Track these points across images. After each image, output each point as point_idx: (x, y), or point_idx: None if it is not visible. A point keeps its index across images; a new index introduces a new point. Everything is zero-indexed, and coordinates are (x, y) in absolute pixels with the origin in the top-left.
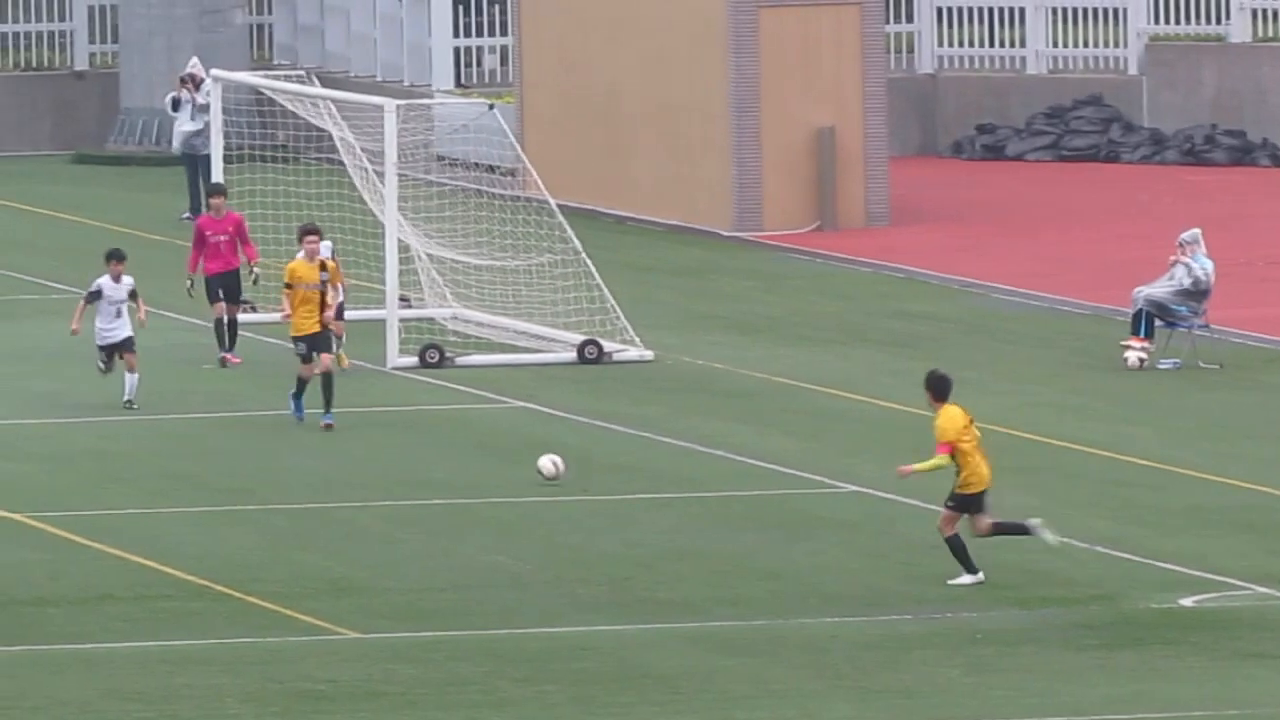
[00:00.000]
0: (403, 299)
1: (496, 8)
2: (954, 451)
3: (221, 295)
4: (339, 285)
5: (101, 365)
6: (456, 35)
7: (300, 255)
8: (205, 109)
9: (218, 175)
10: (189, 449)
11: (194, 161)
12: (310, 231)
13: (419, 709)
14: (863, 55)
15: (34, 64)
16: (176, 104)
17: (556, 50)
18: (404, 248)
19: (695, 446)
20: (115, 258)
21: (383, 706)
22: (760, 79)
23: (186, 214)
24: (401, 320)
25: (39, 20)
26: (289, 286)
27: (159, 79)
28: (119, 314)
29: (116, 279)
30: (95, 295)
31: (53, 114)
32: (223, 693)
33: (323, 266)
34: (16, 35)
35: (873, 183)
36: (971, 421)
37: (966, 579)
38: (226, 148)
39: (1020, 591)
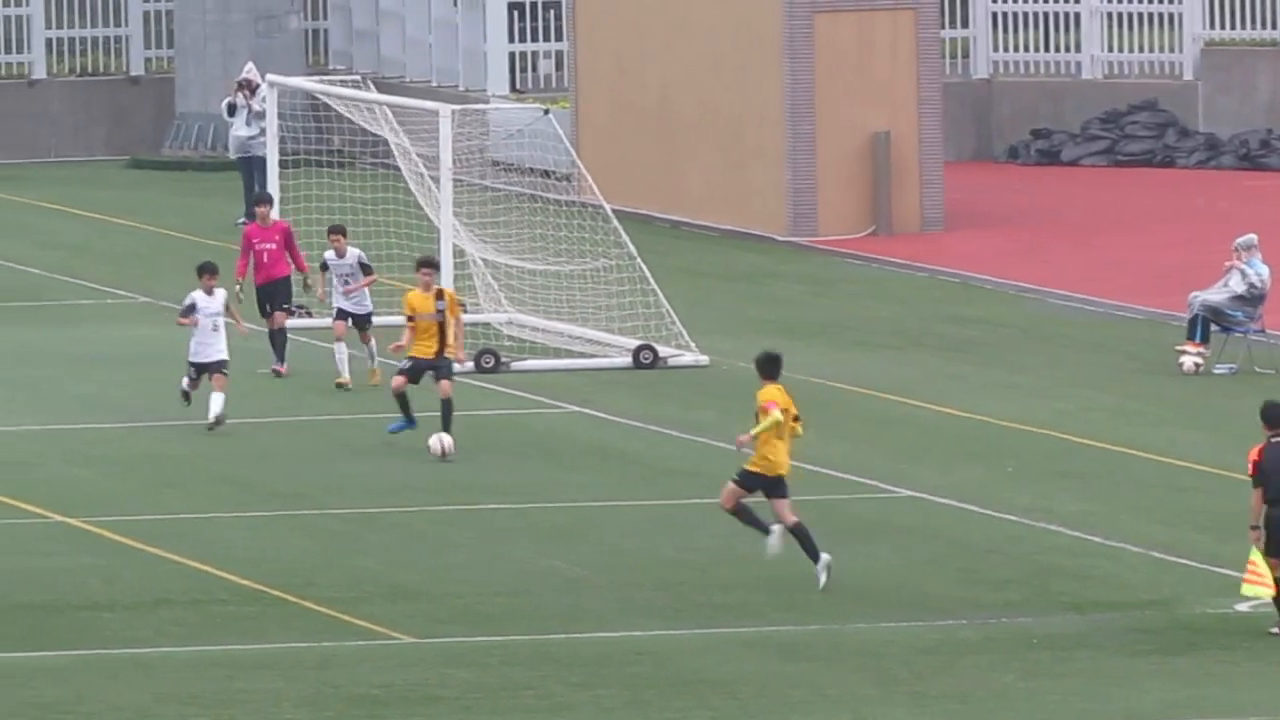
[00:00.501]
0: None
1: (552, 13)
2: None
3: (269, 307)
4: (458, 316)
5: (188, 382)
6: (511, 40)
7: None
8: (261, 114)
9: (273, 180)
10: (245, 454)
11: (250, 166)
12: (426, 264)
13: (474, 714)
14: (918, 60)
15: (90, 69)
16: (232, 109)
17: (612, 55)
18: (459, 253)
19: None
20: (207, 271)
21: (438, 711)
22: (815, 84)
23: (242, 219)
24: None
25: (95, 26)
26: (410, 319)
27: (214, 84)
28: (215, 328)
29: (209, 292)
30: (190, 309)
31: (108, 119)
32: (279, 697)
33: (439, 295)
34: (73, 40)
35: (928, 187)
36: (788, 410)
37: (773, 537)
38: (282, 152)
39: (1075, 596)
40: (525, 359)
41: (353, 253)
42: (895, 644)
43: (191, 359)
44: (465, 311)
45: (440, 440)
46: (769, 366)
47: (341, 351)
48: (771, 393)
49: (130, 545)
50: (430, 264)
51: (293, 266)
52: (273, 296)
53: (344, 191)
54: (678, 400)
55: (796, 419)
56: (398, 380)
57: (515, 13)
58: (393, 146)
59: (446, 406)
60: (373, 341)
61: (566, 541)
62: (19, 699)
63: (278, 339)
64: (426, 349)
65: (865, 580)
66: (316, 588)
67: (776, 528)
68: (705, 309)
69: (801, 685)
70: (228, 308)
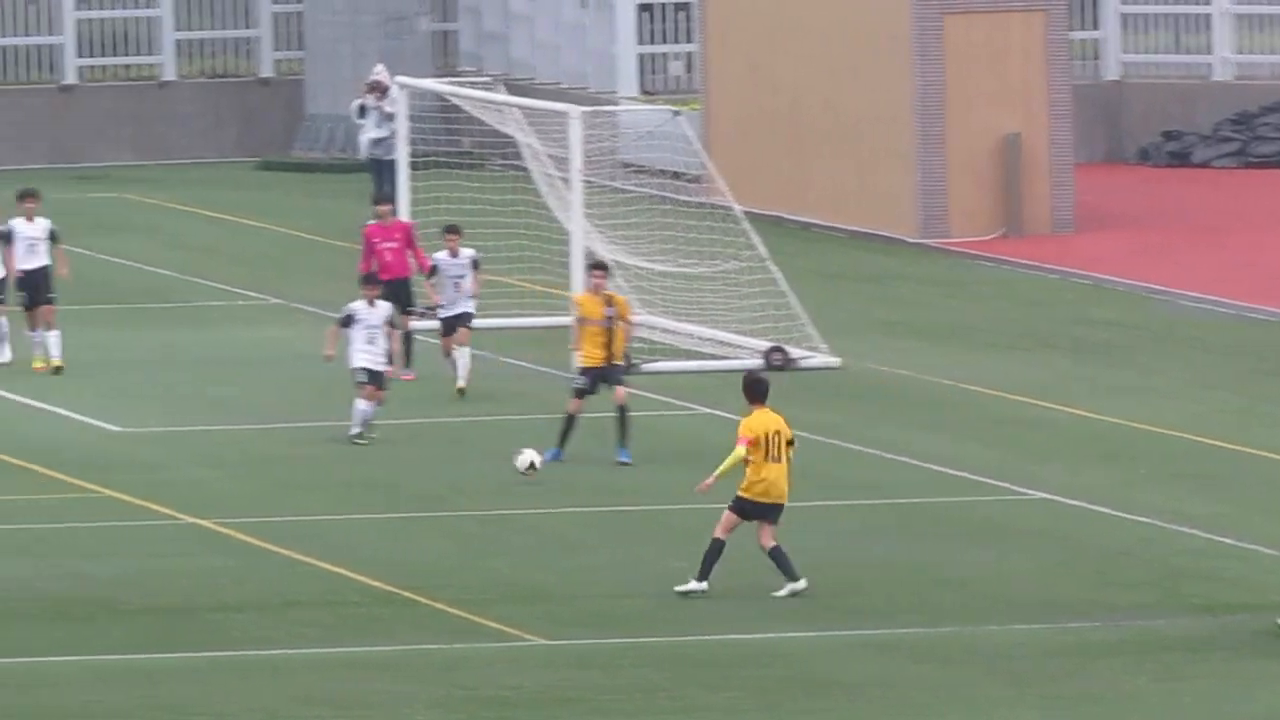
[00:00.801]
0: None
1: (682, 14)
2: (751, 447)
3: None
4: (628, 320)
5: (361, 385)
6: (641, 42)
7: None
8: (391, 116)
9: (403, 182)
10: (376, 455)
11: (379, 168)
12: (597, 266)
13: (606, 716)
14: (1048, 61)
15: (220, 71)
16: (362, 111)
17: (742, 56)
18: (589, 254)
19: (882, 453)
20: (370, 283)
21: (570, 713)
22: (945, 85)
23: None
24: None
25: (225, 27)
26: (581, 322)
27: (344, 86)
28: (371, 340)
29: (371, 303)
30: (349, 320)
31: (238, 121)
32: (409, 699)
33: (609, 301)
34: (202, 42)
35: (1058, 189)
36: (779, 434)
37: (692, 585)
38: (412, 154)
39: (1207, 598)
40: (656, 360)
41: (466, 253)
42: (1027, 646)
43: (362, 365)
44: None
45: (528, 456)
46: (753, 390)
47: (464, 356)
48: (750, 423)
49: (262, 547)
50: (600, 266)
51: (414, 267)
52: (395, 297)
53: (474, 193)
54: (808, 402)
55: (790, 443)
56: (574, 404)
57: (645, 14)
58: (522, 148)
59: (622, 414)
60: (467, 351)
61: (698, 543)
62: (151, 700)
63: (404, 343)
64: (595, 356)
65: (996, 583)
66: (448, 589)
67: (799, 585)
68: (835, 310)
69: (933, 688)
70: (390, 323)
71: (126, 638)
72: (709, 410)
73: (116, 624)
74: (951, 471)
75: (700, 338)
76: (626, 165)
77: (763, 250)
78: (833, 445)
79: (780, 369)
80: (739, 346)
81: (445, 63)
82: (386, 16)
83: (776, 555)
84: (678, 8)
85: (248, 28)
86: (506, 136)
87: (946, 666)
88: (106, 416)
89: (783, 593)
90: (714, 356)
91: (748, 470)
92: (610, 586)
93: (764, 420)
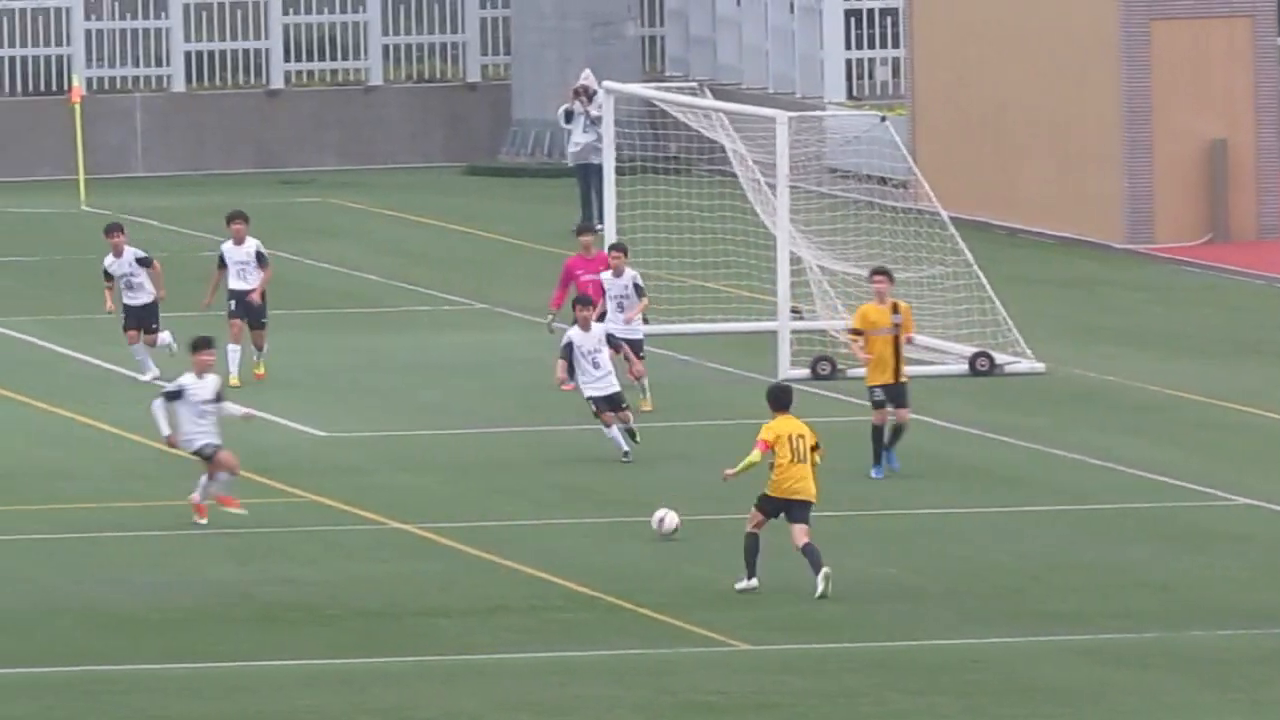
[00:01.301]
0: (794, 311)
1: (889, 20)
2: (771, 451)
3: None
4: (910, 335)
5: (602, 413)
6: (848, 47)
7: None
8: (598, 121)
9: (609, 187)
10: (580, 460)
11: (586, 173)
12: (879, 272)
13: None
14: (1254, 67)
15: (427, 75)
16: (569, 116)
17: (948, 62)
18: (795, 260)
19: (1086, 459)
20: (584, 304)
21: (773, 718)
22: (1151, 91)
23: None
24: (793, 332)
25: (432, 32)
26: (857, 333)
27: (551, 91)
28: (596, 365)
29: (586, 327)
30: (568, 349)
31: (445, 126)
32: (614, 704)
33: (895, 308)
34: (409, 47)
35: (1265, 195)
36: (803, 437)
37: (744, 582)
38: (619, 159)
39: None
40: (861, 366)
41: (629, 274)
42: (1232, 652)
43: (595, 394)
44: (800, 318)
45: (666, 519)
46: (777, 398)
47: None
48: (772, 426)
49: (467, 552)
50: (883, 272)
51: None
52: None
53: (680, 198)
54: (1014, 407)
55: (814, 448)
56: (878, 416)
57: (852, 19)
58: (729, 153)
59: (898, 432)
60: (645, 378)
61: (902, 549)
62: (356, 704)
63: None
64: (884, 374)
65: (1201, 588)
66: (652, 594)
67: (824, 571)
68: (1041, 316)
69: (1136, 693)
70: (611, 341)
71: (332, 642)
72: (914, 415)
73: (322, 629)
74: (1155, 476)
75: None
76: (833, 170)
77: (968, 256)
78: (1037, 450)
79: (986, 374)
80: (945, 352)
81: (652, 68)
82: (594, 21)
83: (809, 552)
84: (884, 13)
85: (455, 32)
86: (713, 141)
87: (1149, 671)
88: (312, 422)
89: (817, 593)
90: (920, 362)
91: (774, 473)
92: (813, 591)
93: (786, 425)
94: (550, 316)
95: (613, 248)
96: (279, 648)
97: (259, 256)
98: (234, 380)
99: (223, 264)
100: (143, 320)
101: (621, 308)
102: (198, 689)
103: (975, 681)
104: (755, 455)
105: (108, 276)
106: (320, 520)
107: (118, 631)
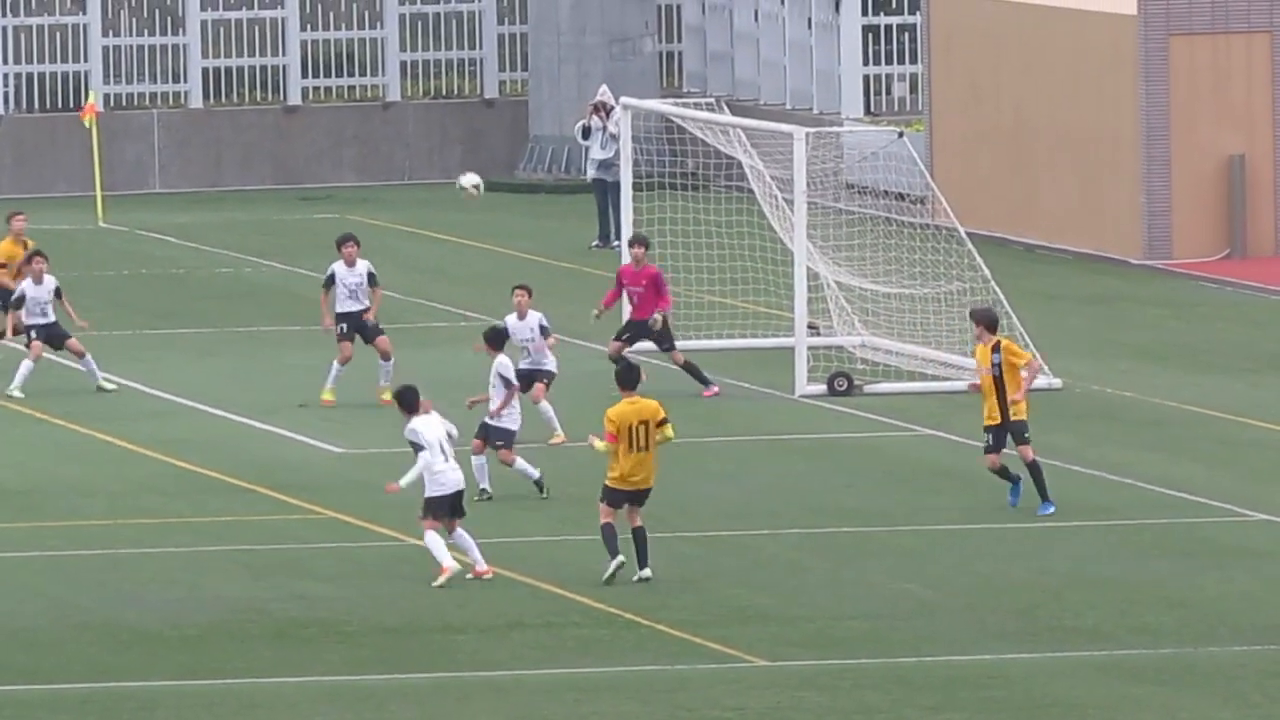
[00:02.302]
0: (811, 327)
1: (906, 35)
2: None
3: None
4: (1029, 370)
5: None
6: (866, 63)
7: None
8: (615, 137)
9: (627, 203)
10: (594, 476)
11: (604, 189)
12: (972, 314)
13: None
14: (1273, 82)
15: (444, 92)
16: (587, 132)
17: (966, 78)
18: (813, 275)
19: (1104, 474)
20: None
21: None
22: (1170, 106)
23: (595, 242)
24: (810, 348)
25: (449, 48)
26: (978, 387)
27: (568, 107)
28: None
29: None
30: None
31: (463, 141)
32: None
33: (995, 347)
34: (427, 63)
35: None
36: (645, 424)
37: (610, 565)
38: (636, 175)
39: None
40: (878, 382)
41: (534, 316)
42: (1249, 668)
43: None
44: (817, 334)
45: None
46: (623, 377)
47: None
48: (617, 414)
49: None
50: (979, 316)
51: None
52: (636, 333)
53: (697, 214)
54: (1032, 423)
55: (662, 423)
56: (991, 459)
57: (870, 35)
58: (746, 169)
59: (1035, 470)
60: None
61: (919, 565)
62: None
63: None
64: (992, 414)
65: (1219, 603)
66: (668, 610)
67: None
68: (1059, 332)
69: (1154, 709)
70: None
71: (349, 659)
72: (931, 431)
73: (339, 645)
74: (1173, 492)
75: (923, 359)
76: (850, 186)
77: (986, 271)
78: (1055, 466)
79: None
80: (962, 368)
81: (669, 83)
82: (611, 38)
83: (640, 536)
84: (902, 29)
85: (473, 48)
86: (730, 157)
87: (1167, 687)
88: (330, 438)
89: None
90: (936, 378)
91: (614, 463)
92: (830, 607)
93: (632, 410)
94: (596, 313)
95: (516, 288)
96: (295, 664)
97: (370, 277)
98: (328, 396)
99: (329, 285)
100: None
101: (528, 352)
102: (214, 705)
103: (993, 698)
104: (599, 446)
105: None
106: (337, 536)
107: (135, 648)
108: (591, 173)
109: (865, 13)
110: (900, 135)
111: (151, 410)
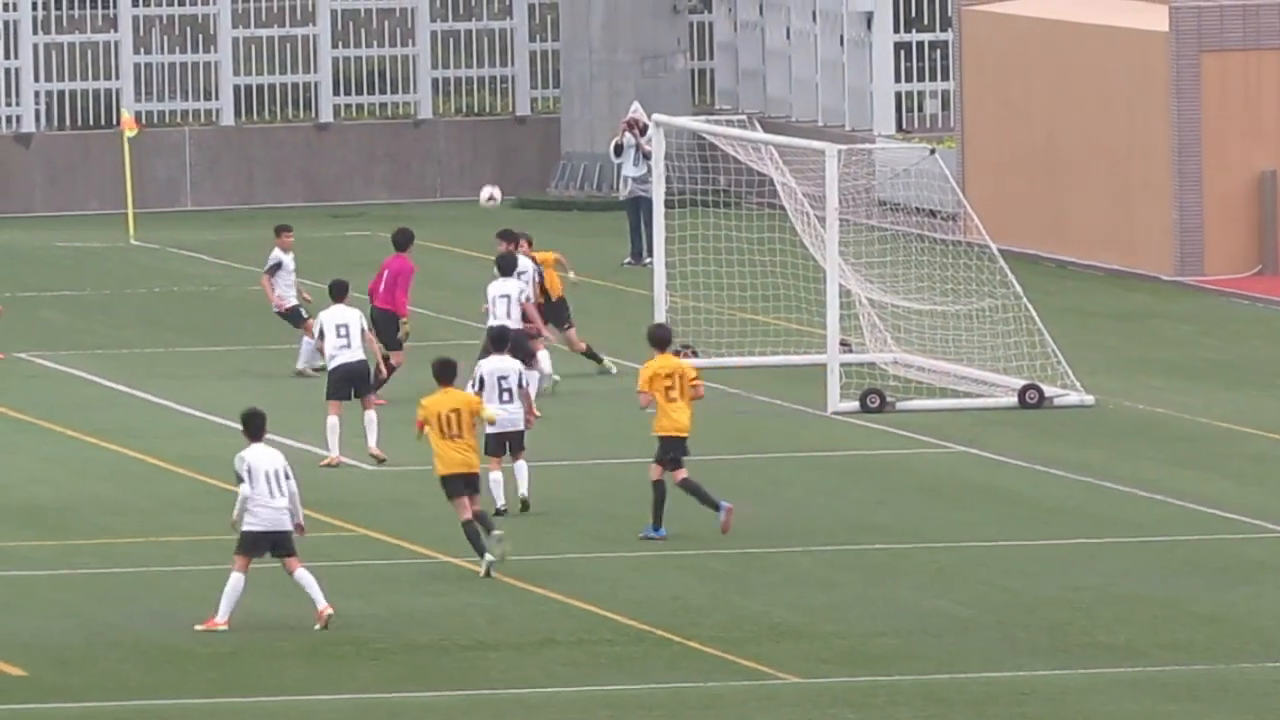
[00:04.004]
0: (843, 344)
1: (938, 52)
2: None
3: None
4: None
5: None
6: (898, 80)
7: None
8: (648, 154)
9: (659, 220)
10: (625, 493)
11: (637, 206)
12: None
13: None
14: None
15: (476, 109)
16: (620, 149)
17: (998, 95)
18: (845, 292)
19: (1136, 491)
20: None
21: None
22: (1202, 123)
23: (628, 259)
24: (842, 365)
25: (481, 66)
26: None
27: (600, 124)
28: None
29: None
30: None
31: (494, 159)
32: None
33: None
34: (459, 80)
35: None
36: (458, 411)
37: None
38: (668, 192)
39: None
40: (911, 399)
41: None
42: None
43: None
44: (850, 351)
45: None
46: (440, 372)
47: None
48: (429, 399)
49: (515, 585)
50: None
51: None
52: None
53: (729, 231)
54: (1064, 440)
55: (458, 411)
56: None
57: (901, 52)
58: (778, 186)
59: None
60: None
61: (951, 581)
62: None
63: None
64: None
65: (1252, 620)
66: (701, 628)
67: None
68: (1091, 349)
69: None
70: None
71: (380, 676)
72: (963, 448)
73: (371, 662)
74: (1205, 509)
75: (955, 375)
76: (882, 203)
77: (1018, 288)
78: (1087, 483)
79: (1035, 407)
80: (994, 384)
81: (701, 101)
82: (643, 55)
83: (469, 528)
84: (933, 46)
85: (504, 66)
86: (762, 174)
87: (1199, 704)
88: (361, 455)
89: (483, 565)
90: (969, 395)
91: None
92: (862, 624)
93: (445, 399)
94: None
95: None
96: (327, 682)
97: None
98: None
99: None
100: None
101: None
102: None
103: (1025, 714)
104: (418, 431)
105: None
106: (369, 554)
107: (166, 665)
108: (624, 190)
109: (897, 30)
110: (932, 152)
111: (182, 428)
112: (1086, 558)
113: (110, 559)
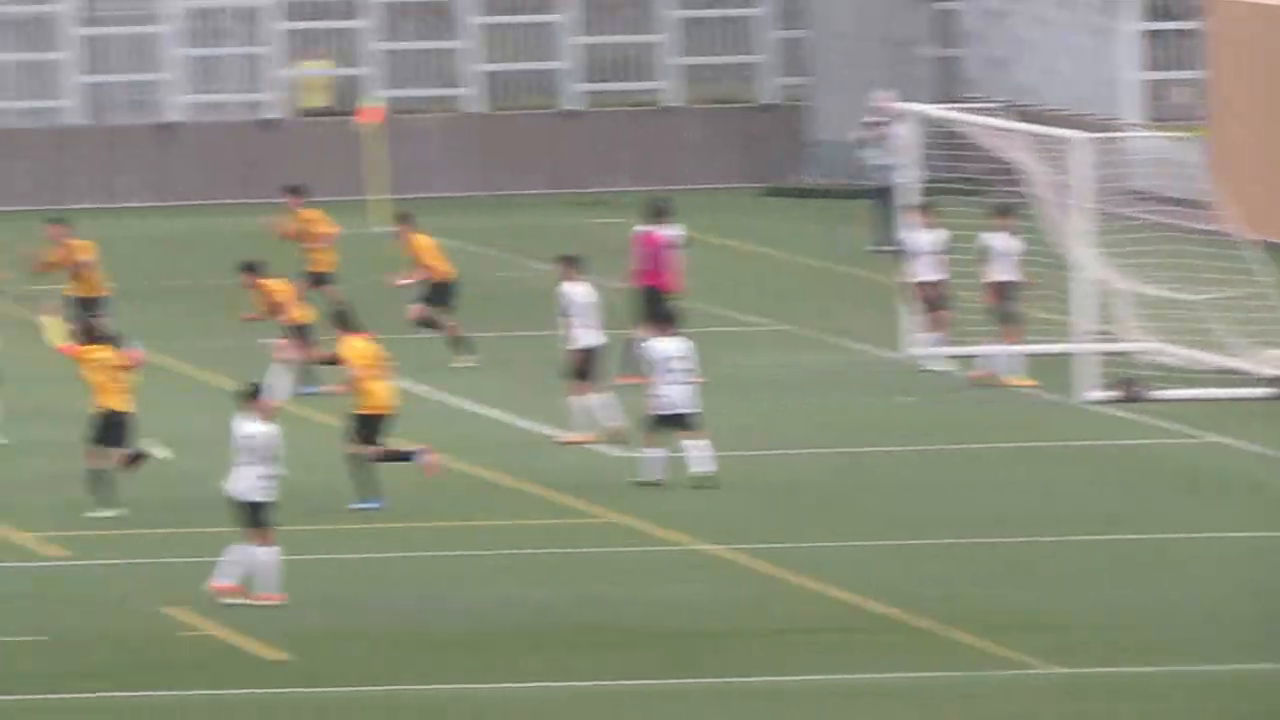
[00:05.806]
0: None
1: (1187, 40)
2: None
3: None
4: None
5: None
6: (1147, 68)
7: None
8: (895, 142)
9: (906, 209)
10: (884, 482)
11: (884, 194)
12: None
13: None
14: None
15: (723, 97)
16: (867, 138)
17: (1249, 83)
18: (1097, 281)
19: None
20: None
21: None
22: None
23: (874, 246)
24: (1096, 354)
25: (728, 53)
26: None
27: (848, 112)
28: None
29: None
30: None
31: (740, 146)
32: None
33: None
34: (705, 68)
35: None
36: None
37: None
38: (915, 180)
39: None
40: (1164, 388)
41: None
42: None
43: None
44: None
45: None
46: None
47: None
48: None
49: (771, 574)
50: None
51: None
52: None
53: (976, 219)
54: None
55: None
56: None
57: (1151, 40)
58: (1028, 174)
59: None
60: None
61: (1203, 573)
62: None
63: None
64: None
65: None
66: (960, 617)
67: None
68: None
69: None
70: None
71: (634, 663)
72: (1216, 438)
73: (622, 649)
74: None
75: (1209, 365)
76: (1131, 192)
77: (1267, 279)
78: None
79: None
80: (1248, 374)
81: (949, 89)
82: (892, 43)
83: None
84: (1183, 34)
85: (751, 53)
86: (1010, 163)
87: None
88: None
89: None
90: (1222, 384)
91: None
92: (1118, 616)
93: (368, 347)
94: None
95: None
96: (576, 670)
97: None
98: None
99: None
100: None
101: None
102: (513, 710)
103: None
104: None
105: None
106: (625, 541)
107: (432, 651)
108: (871, 177)
109: (1146, 18)
110: (1183, 141)
111: (435, 414)
112: None
113: (376, 545)
